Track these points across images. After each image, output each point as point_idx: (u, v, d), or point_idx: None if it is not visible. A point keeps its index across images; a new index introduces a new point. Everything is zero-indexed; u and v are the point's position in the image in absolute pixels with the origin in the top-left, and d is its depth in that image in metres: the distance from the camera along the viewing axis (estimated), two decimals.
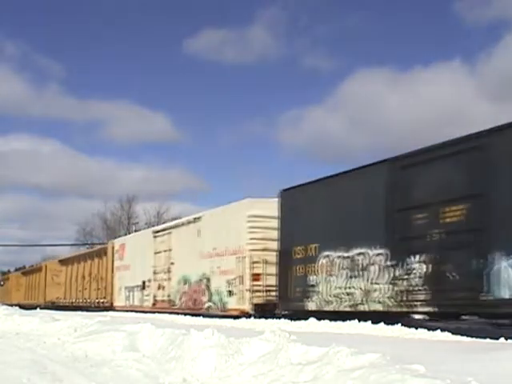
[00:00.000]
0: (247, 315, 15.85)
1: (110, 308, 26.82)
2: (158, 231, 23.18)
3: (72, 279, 33.85)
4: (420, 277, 10.87)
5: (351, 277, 12.53)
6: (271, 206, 15.54)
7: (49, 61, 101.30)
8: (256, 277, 16.29)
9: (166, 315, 18.64)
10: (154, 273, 22.54)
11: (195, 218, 19.80)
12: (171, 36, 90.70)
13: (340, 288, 12.82)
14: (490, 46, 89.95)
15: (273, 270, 15.61)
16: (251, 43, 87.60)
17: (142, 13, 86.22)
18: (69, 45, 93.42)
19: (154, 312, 21.15)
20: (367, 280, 12.09)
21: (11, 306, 31.96)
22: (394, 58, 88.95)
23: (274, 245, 15.47)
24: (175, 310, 20.06)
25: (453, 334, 9.01)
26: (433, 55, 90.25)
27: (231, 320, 14.99)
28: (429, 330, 9.43)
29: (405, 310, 11.35)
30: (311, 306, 13.62)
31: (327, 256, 13.31)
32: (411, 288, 11.04)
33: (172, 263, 21.11)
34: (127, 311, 23.87)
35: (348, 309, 12.52)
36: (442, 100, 68.45)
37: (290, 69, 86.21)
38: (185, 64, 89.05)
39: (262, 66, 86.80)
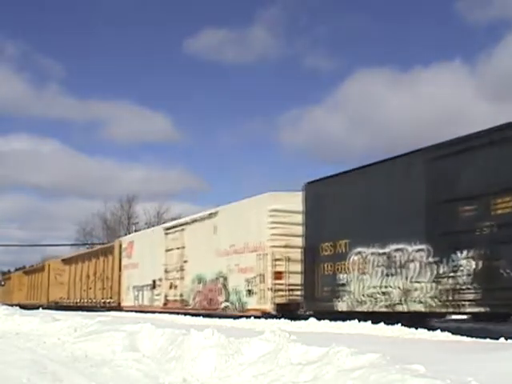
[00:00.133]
0: (268, 315, 14.94)
1: (118, 308, 25.80)
2: (169, 228, 22.12)
3: (76, 278, 33.06)
4: (468, 274, 10.01)
5: (387, 275, 11.67)
6: (294, 200, 14.70)
7: (49, 61, 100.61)
8: (278, 275, 15.40)
9: (180, 316, 17.73)
10: (166, 271, 21.52)
11: (211, 214, 18.81)
12: (171, 36, 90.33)
13: (375, 287, 11.95)
14: (491, 46, 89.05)
15: (296, 267, 14.77)
16: (251, 43, 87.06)
17: (142, 12, 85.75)
18: (69, 45, 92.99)
19: (165, 312, 20.15)
20: (406, 278, 11.23)
21: (11, 306, 31.16)
22: (394, 58, 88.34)
23: (297, 241, 14.63)
24: (189, 311, 19.07)
25: (453, 334, 9.00)
26: (433, 55, 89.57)
27: (231, 320, 14.41)
28: (429, 330, 9.38)
29: (451, 310, 10.50)
30: (342, 306, 12.74)
31: (359, 253, 12.45)
32: (458, 286, 10.17)
33: (185, 261, 20.12)
34: (136, 312, 22.80)
35: (384, 309, 11.66)
36: (442, 100, 68.03)
37: (290, 69, 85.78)
38: (185, 64, 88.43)
39: (262, 66, 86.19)
